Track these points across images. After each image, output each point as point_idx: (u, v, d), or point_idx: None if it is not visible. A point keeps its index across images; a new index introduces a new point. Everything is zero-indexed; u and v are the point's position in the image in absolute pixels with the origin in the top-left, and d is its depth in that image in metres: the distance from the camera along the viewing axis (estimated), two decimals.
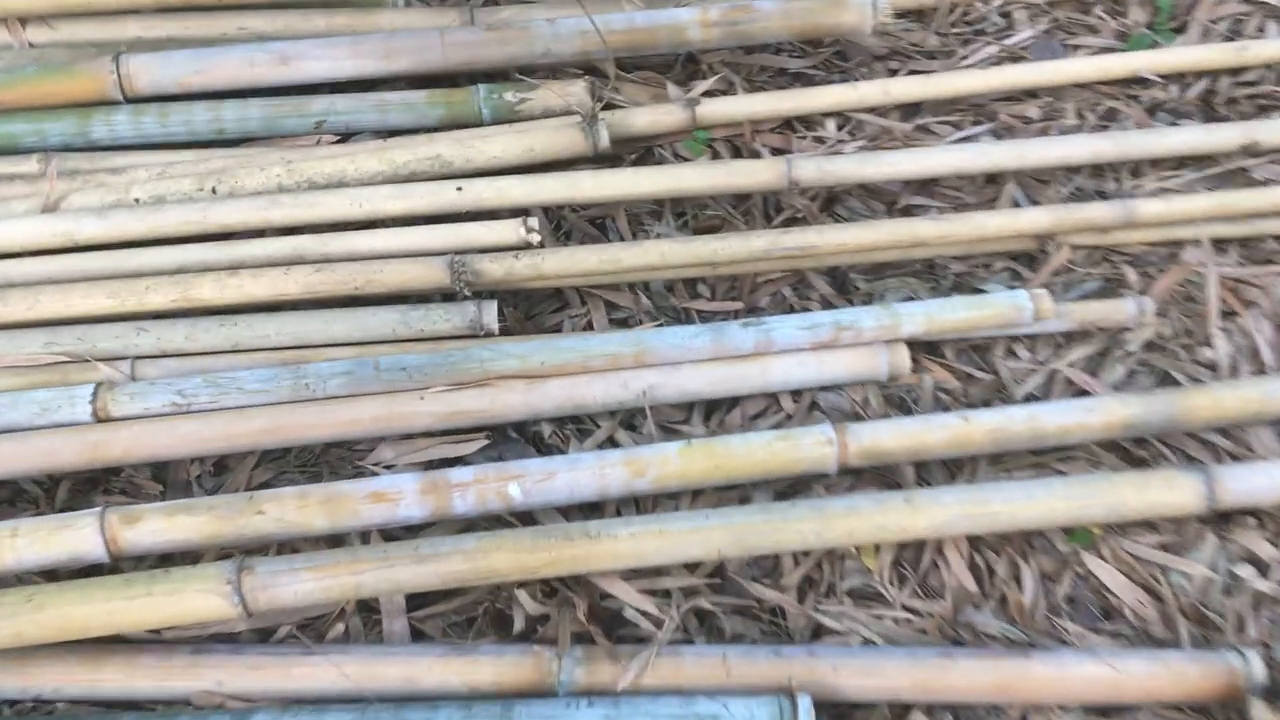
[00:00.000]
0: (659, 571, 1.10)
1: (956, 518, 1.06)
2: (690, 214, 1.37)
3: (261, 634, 1.08)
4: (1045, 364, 1.25)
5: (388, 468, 1.15)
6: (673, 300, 1.30)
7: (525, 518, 1.11)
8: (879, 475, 1.17)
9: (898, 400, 1.23)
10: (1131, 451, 1.18)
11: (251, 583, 0.98)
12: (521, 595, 1.06)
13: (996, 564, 1.12)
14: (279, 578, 0.98)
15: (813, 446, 1.12)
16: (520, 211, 1.26)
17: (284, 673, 1.01)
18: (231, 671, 1.01)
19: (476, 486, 1.07)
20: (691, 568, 1.11)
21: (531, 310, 1.29)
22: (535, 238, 1.21)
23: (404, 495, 1.05)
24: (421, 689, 1.01)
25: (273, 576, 0.98)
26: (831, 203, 1.39)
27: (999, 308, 1.22)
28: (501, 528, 1.05)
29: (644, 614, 1.07)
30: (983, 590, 1.11)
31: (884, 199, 1.38)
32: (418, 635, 1.09)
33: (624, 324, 1.28)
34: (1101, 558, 1.11)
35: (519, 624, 1.07)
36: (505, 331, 1.23)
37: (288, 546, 1.10)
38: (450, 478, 1.07)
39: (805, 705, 0.98)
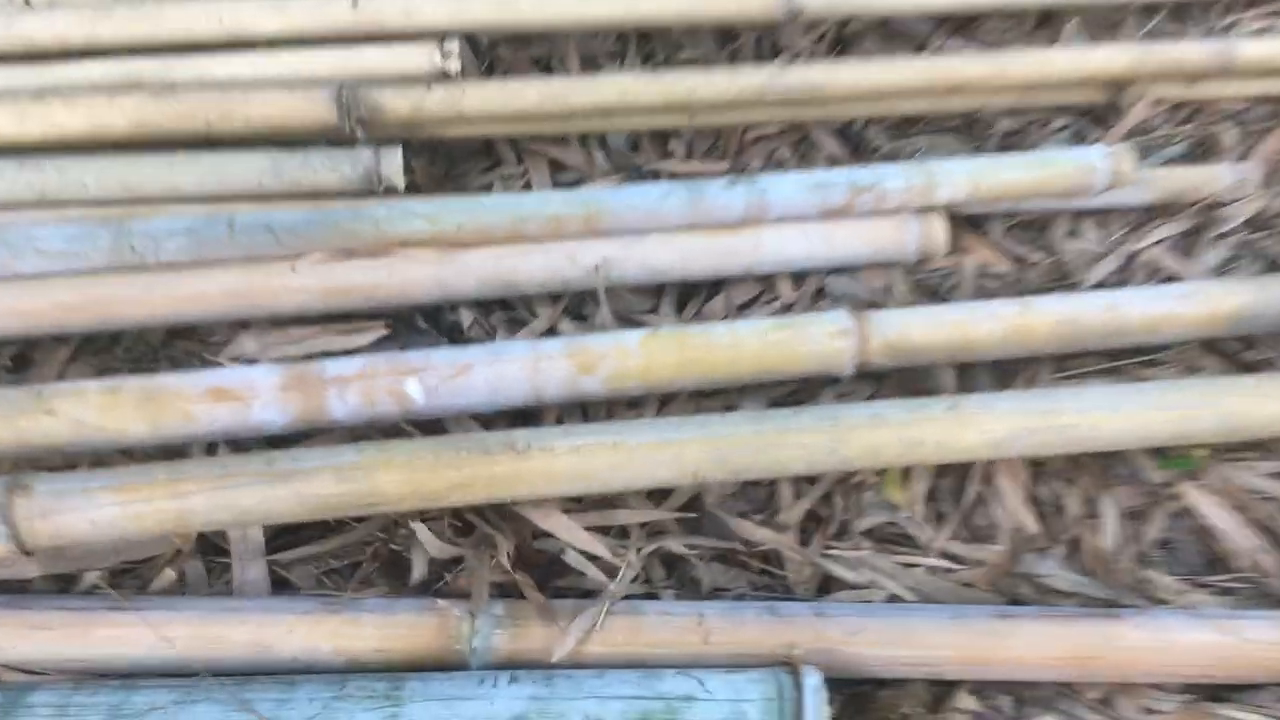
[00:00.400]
0: (612, 502, 0.83)
1: (1015, 433, 0.80)
2: (661, 57, 1.09)
3: (62, 583, 0.80)
4: (1120, 246, 0.99)
5: (249, 363, 0.87)
6: (637, 160, 1.03)
7: (430, 429, 0.84)
8: (908, 383, 0.90)
9: (929, 289, 0.97)
10: (1237, 357, 0.92)
11: (27, 507, 0.71)
12: (422, 532, 0.79)
13: (1066, 496, 0.86)
14: (67, 501, 0.71)
15: (822, 339, 0.85)
16: (436, 37, 0.98)
17: (82, 634, 0.74)
18: (8, 632, 0.73)
19: (361, 383, 0.79)
20: (657, 498, 0.84)
21: (453, 168, 1.01)
22: (453, 65, 0.94)
23: (257, 392, 0.77)
24: (277, 658, 0.75)
25: (58, 499, 0.71)
26: (843, 47, 1.11)
27: (1064, 168, 0.96)
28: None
29: (591, 558, 0.81)
30: (1048, 532, 0.85)
31: (910, 41, 1.11)
32: (282, 586, 0.81)
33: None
34: (1206, 490, 0.85)
35: (419, 571, 0.80)
36: (414, 191, 0.95)
37: (98, 465, 0.81)
38: (325, 371, 0.79)
39: (813, 683, 0.71)
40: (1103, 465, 0.88)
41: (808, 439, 0.79)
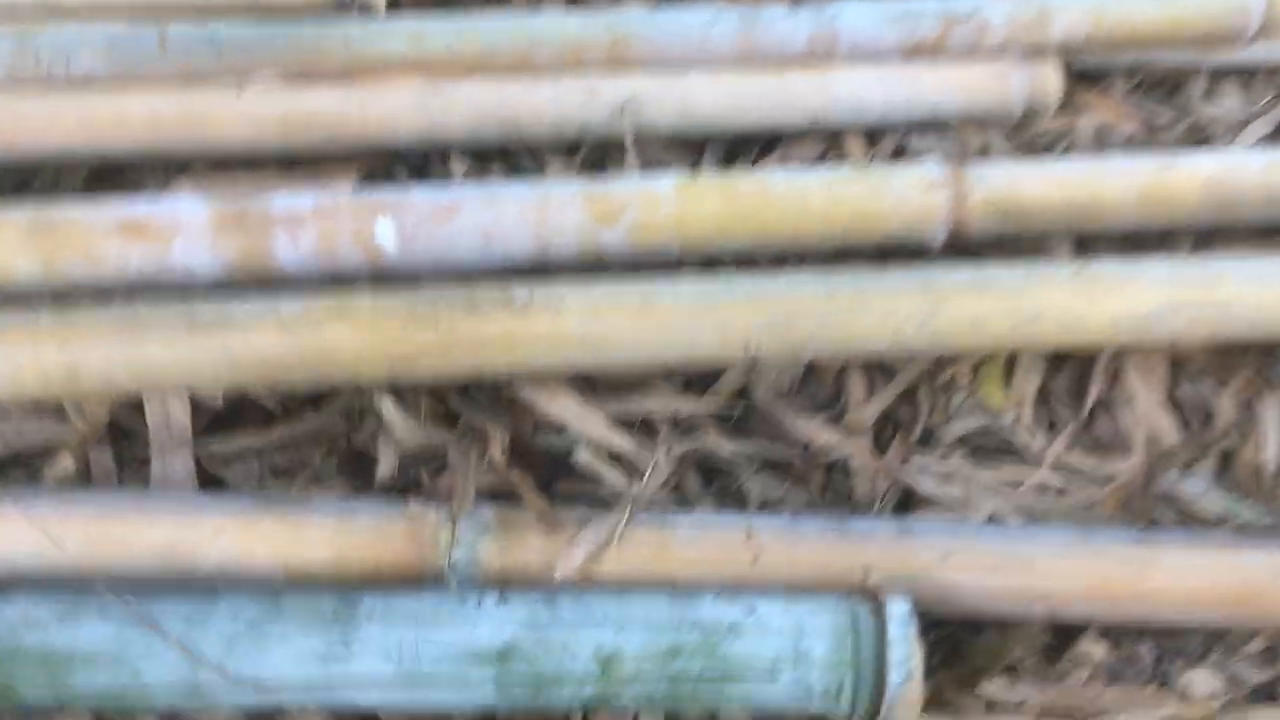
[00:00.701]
0: (636, 387, 0.66)
1: (1159, 309, 0.63)
2: None
3: None
4: (1272, 109, 0.81)
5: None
6: None
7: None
8: (1012, 258, 0.72)
9: (1036, 153, 0.79)
10: None
11: None
12: (390, 410, 0.62)
13: (1217, 398, 0.69)
14: None
15: (908, 193, 0.69)
16: None
17: None
18: None
19: (318, 224, 0.63)
20: (696, 387, 0.67)
21: None
22: None
23: (182, 229, 0.61)
24: (199, 569, 0.58)
25: None
26: None
27: (1209, 7, 0.78)
28: None
29: (609, 459, 0.64)
30: (1194, 443, 0.67)
31: None
32: (213, 485, 0.65)
33: None
34: None
35: (386, 466, 0.64)
36: (396, 8, 0.78)
37: None
38: (271, 207, 0.63)
39: (899, 613, 0.55)
40: (1263, 359, 0.70)
41: (892, 305, 0.62)
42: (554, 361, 0.61)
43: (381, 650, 0.55)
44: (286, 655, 0.55)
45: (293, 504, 0.62)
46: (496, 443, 0.63)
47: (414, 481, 0.65)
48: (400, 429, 0.63)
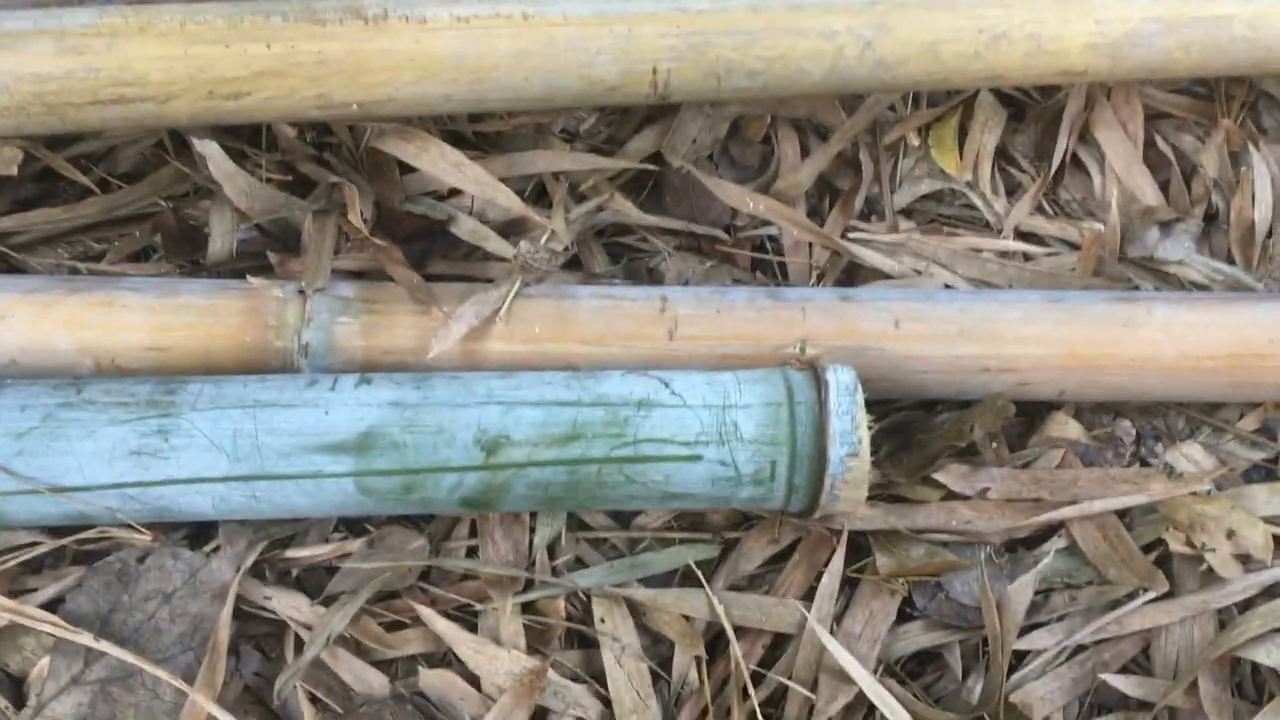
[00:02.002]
0: (523, 142, 0.56)
1: (1145, 27, 0.54)
2: None
3: None
4: None
5: None
6: None
7: None
8: None
9: None
10: None
11: None
12: (218, 162, 0.51)
13: (1201, 151, 0.60)
14: None
15: None
16: None
17: None
18: None
19: None
20: (599, 143, 0.58)
21: None
22: None
23: None
24: None
25: None
26: None
27: None
28: None
29: (496, 230, 0.54)
30: (1174, 201, 0.60)
31: None
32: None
33: None
34: None
35: (219, 240, 0.53)
36: None
37: None
38: None
39: (843, 380, 0.46)
40: (1252, 105, 0.62)
41: (829, 23, 0.52)
42: (417, 94, 0.50)
43: (211, 443, 0.46)
44: (91, 452, 0.45)
45: (102, 284, 0.51)
46: (354, 206, 0.52)
47: (262, 267, 0.55)
48: (234, 189, 0.53)
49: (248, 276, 0.51)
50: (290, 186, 0.56)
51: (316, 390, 0.47)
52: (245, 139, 0.58)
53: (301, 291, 0.51)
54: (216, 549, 0.49)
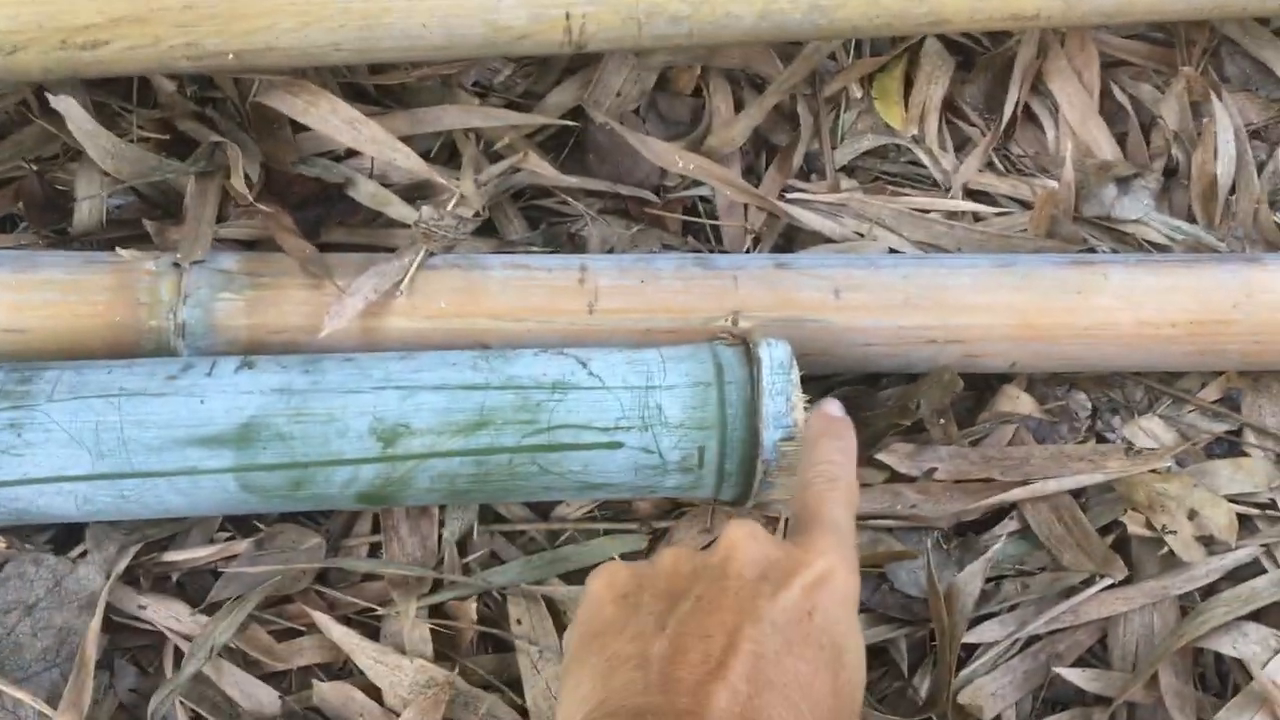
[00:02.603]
0: (428, 96, 0.51)
1: None
2: None
3: None
4: None
5: None
6: None
7: None
8: None
9: None
10: None
11: None
12: (78, 119, 0.46)
13: (1160, 102, 0.57)
14: None
15: None
16: None
17: None
18: None
19: None
20: (514, 100, 0.53)
21: None
22: None
23: None
24: None
25: None
26: None
27: None
28: None
29: (399, 195, 0.49)
30: (1131, 156, 0.56)
31: None
32: None
33: None
34: None
35: (86, 210, 0.48)
36: None
37: None
38: None
39: (778, 356, 0.42)
40: (1213, 53, 0.59)
41: None
42: (300, 42, 0.45)
43: (70, 438, 0.41)
44: None
45: None
46: (237, 167, 0.47)
47: (139, 237, 0.50)
48: (97, 150, 0.47)
49: (116, 248, 0.46)
50: (170, 146, 0.51)
51: (191, 376, 0.42)
52: (121, 95, 0.52)
53: (177, 264, 0.46)
54: (84, 554, 0.44)
